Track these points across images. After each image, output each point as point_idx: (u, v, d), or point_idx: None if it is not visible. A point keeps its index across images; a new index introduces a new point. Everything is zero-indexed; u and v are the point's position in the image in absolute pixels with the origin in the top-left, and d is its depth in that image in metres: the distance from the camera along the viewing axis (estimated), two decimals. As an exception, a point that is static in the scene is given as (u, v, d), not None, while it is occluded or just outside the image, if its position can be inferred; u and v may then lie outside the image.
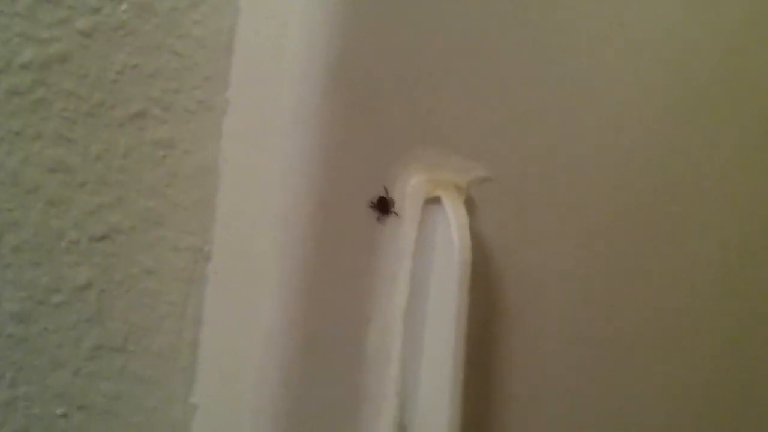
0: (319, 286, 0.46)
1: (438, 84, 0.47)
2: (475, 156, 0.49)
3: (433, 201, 0.47)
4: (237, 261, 0.49)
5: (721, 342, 0.66)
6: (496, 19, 0.49)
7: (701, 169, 0.62)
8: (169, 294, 0.50)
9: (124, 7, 0.47)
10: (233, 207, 0.50)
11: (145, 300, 0.50)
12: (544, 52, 0.52)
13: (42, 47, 0.45)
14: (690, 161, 0.61)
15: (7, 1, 0.44)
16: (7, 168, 0.45)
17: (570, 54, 0.53)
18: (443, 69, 0.47)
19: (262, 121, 0.48)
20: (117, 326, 0.49)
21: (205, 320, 0.51)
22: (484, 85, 0.49)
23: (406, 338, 0.47)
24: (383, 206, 0.46)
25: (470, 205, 0.48)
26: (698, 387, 0.64)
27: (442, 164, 0.48)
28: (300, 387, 0.46)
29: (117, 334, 0.49)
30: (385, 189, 0.46)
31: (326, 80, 0.44)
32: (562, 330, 0.55)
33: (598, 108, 0.55)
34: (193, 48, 0.49)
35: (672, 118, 0.60)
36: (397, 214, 0.46)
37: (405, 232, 0.47)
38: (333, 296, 0.46)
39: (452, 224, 0.45)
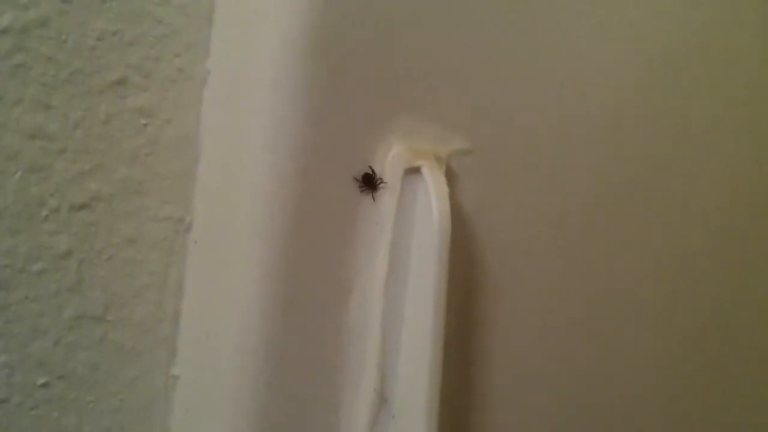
0: (298, 255, 0.46)
1: (418, 53, 0.47)
2: (455, 127, 0.49)
3: (414, 171, 0.46)
4: (217, 231, 0.49)
5: (701, 320, 0.66)
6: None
7: (683, 145, 0.62)
8: (150, 264, 0.50)
9: (104, -28, 0.46)
10: (213, 176, 0.50)
11: (125, 269, 0.50)
12: (526, 21, 0.51)
13: (21, 12, 0.45)
14: (673, 137, 0.61)
15: (-15, -34, 0.43)
16: (-15, 134, 0.45)
17: (553, 23, 0.53)
18: (423, 38, 0.47)
19: (242, 90, 0.47)
20: (97, 295, 0.49)
21: (186, 291, 0.51)
22: (465, 55, 0.49)
23: (387, 308, 0.47)
24: (369, 182, 0.46)
25: (450, 176, 0.48)
26: (676, 359, 0.64)
27: (422, 134, 0.48)
28: (280, 357, 0.46)
29: (97, 304, 0.49)
30: (371, 167, 0.46)
31: (305, 48, 0.44)
32: (540, 300, 0.55)
33: (580, 80, 0.55)
34: (175, 15, 0.49)
35: (655, 93, 0.60)
36: (385, 183, 0.46)
37: (385, 202, 0.47)
38: (313, 266, 0.46)
39: (432, 194, 0.45)
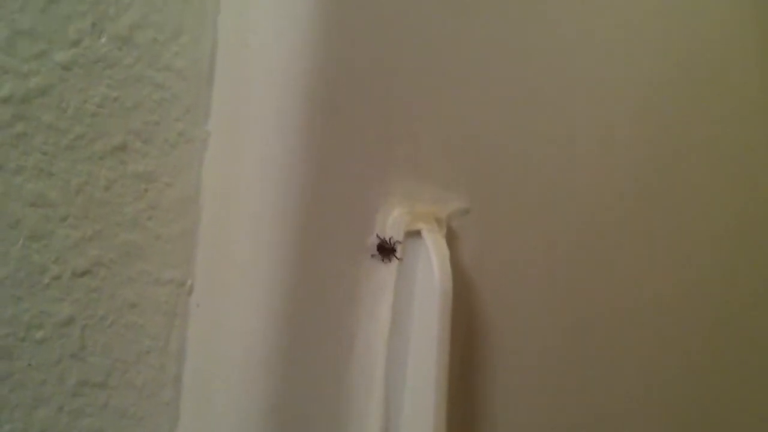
0: (301, 317, 0.46)
1: (415, 116, 0.48)
2: (454, 187, 0.49)
3: (414, 233, 0.46)
4: (219, 293, 0.49)
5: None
6: (467, 49, 0.49)
7: (678, 181, 0.62)
8: (152, 328, 0.50)
9: (103, 39, 0.47)
10: (215, 238, 0.50)
11: (127, 334, 0.49)
12: (515, 80, 0.52)
13: (21, 81, 0.45)
14: (666, 172, 0.62)
15: (-15, 36, 0.44)
16: (-13, 203, 0.45)
17: (543, 80, 0.53)
18: (419, 101, 0.48)
19: (242, 152, 0.47)
20: (100, 361, 0.49)
21: (187, 354, 0.51)
22: (461, 116, 0.49)
23: (389, 368, 0.47)
24: (383, 249, 0.46)
25: (450, 235, 0.48)
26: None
27: (422, 195, 0.48)
28: (283, 420, 0.46)
29: (100, 370, 0.49)
30: (377, 235, 0.46)
31: (303, 112, 0.44)
32: (541, 347, 0.54)
33: (572, 134, 0.55)
34: (174, 80, 0.49)
35: (649, 124, 0.60)
36: (398, 241, 0.46)
37: (387, 264, 0.46)
38: (315, 327, 0.46)
39: (433, 257, 0.45)
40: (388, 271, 0.47)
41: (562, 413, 0.57)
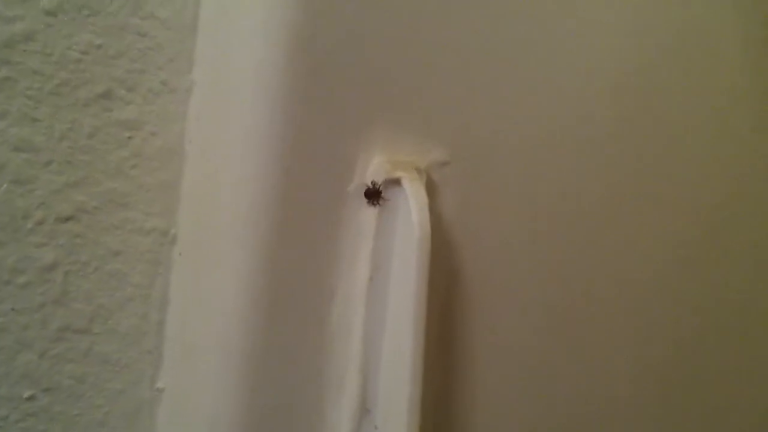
0: (281, 264, 0.46)
1: (396, 64, 0.48)
2: (434, 138, 0.49)
3: (394, 182, 0.47)
4: (202, 242, 0.49)
5: (687, 326, 0.66)
6: (451, 4, 0.49)
7: (665, 148, 0.62)
8: (135, 276, 0.51)
9: (88, -14, 0.47)
10: (198, 188, 0.50)
11: (110, 281, 0.50)
12: (502, 32, 0.52)
13: (6, 25, 0.45)
14: (653, 141, 0.62)
15: (-30, -19, 0.44)
16: (-29, 146, 0.45)
17: (530, 32, 0.53)
18: (400, 49, 0.48)
19: (225, 101, 0.48)
20: (83, 308, 0.49)
21: (171, 302, 0.51)
22: (442, 66, 0.49)
23: (368, 315, 0.47)
24: (371, 195, 0.47)
25: (430, 186, 0.48)
26: (661, 363, 0.64)
27: (402, 145, 0.48)
28: (263, 365, 0.46)
29: (83, 316, 0.49)
30: (373, 182, 0.46)
31: (285, 59, 0.44)
32: (520, 304, 0.55)
33: (557, 89, 0.55)
34: (158, 29, 0.50)
35: (633, 100, 0.60)
36: (387, 200, 0.47)
37: (367, 212, 0.47)
38: (295, 274, 0.46)
39: (412, 205, 0.45)
40: (368, 219, 0.47)
41: (542, 374, 0.57)
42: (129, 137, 0.49)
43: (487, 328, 0.52)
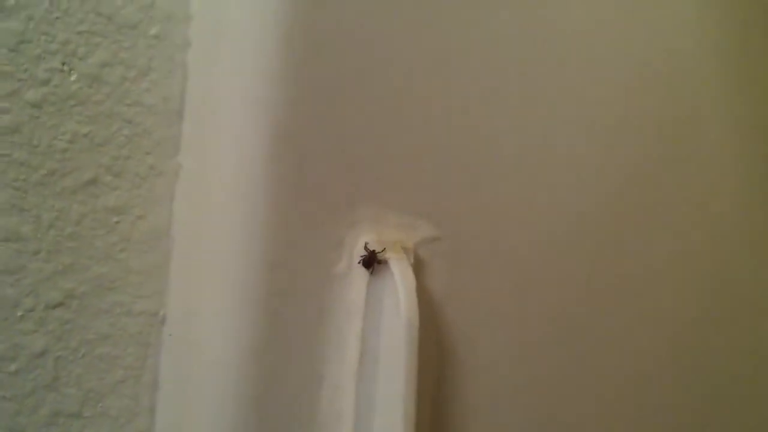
0: (269, 347, 0.46)
1: (379, 143, 0.48)
2: (421, 214, 0.49)
3: (382, 261, 0.47)
4: (191, 324, 0.50)
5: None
6: (434, 73, 0.50)
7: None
8: (126, 358, 0.51)
9: (74, 77, 0.48)
10: (187, 270, 0.50)
11: (101, 365, 0.50)
12: (484, 103, 0.52)
13: (-9, 120, 0.46)
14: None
15: (-44, 76, 0.45)
16: (-41, 238, 0.45)
17: (508, 108, 0.54)
18: (381, 130, 0.48)
19: (212, 184, 0.48)
20: (74, 392, 0.49)
21: (161, 384, 0.51)
22: (425, 146, 0.50)
23: (358, 398, 0.47)
24: (371, 263, 0.47)
25: (418, 263, 0.48)
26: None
27: (389, 222, 0.48)
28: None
29: (74, 400, 0.49)
30: (367, 249, 0.47)
31: (271, 144, 0.45)
32: (512, 376, 0.55)
33: (542, 161, 0.55)
34: (144, 115, 0.50)
35: (626, 155, 0.61)
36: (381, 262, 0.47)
37: (354, 293, 0.47)
38: (284, 357, 0.46)
39: (399, 286, 0.46)
40: (356, 300, 0.47)
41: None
42: (116, 222, 0.50)
43: (477, 401, 0.52)
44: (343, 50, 0.46)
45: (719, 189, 0.68)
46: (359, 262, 0.47)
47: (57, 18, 0.47)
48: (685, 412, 0.66)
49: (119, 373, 0.50)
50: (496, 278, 0.53)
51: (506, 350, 0.54)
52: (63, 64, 0.47)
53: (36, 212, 0.47)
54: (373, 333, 0.47)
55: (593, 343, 0.59)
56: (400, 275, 0.46)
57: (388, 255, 0.46)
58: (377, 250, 0.46)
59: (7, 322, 0.47)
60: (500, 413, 0.54)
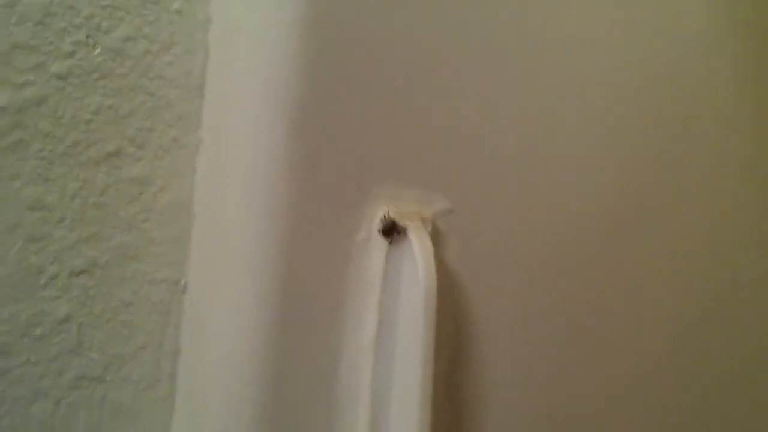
0: (289, 318, 0.47)
1: (397, 120, 0.49)
2: (438, 188, 0.50)
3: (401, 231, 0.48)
4: (212, 292, 0.51)
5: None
6: (449, 52, 0.51)
7: (666, 176, 0.64)
8: (147, 325, 0.52)
9: (98, 51, 0.49)
10: (208, 240, 0.51)
11: (123, 331, 0.51)
12: (500, 79, 0.53)
13: (18, 91, 0.47)
14: (653, 178, 0.63)
15: (-17, 49, 0.46)
16: (-14, 207, 0.47)
17: (523, 81, 0.54)
18: (400, 105, 0.49)
19: (232, 158, 0.49)
20: (97, 357, 0.50)
21: (182, 351, 0.53)
22: (441, 120, 0.51)
23: (376, 366, 0.48)
24: (390, 231, 0.48)
25: (436, 234, 0.49)
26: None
27: (407, 197, 0.49)
28: (273, 418, 0.47)
29: (97, 365, 0.50)
30: (385, 218, 0.48)
31: (290, 118, 0.46)
32: (528, 346, 0.55)
33: (555, 137, 0.56)
34: (166, 88, 0.51)
35: (633, 141, 0.61)
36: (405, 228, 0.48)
37: (373, 263, 0.48)
38: (304, 328, 0.47)
39: (417, 254, 0.46)
40: (374, 270, 0.48)
41: (551, 412, 0.58)
42: (140, 193, 0.51)
43: (493, 372, 0.53)
44: (362, 30, 0.47)
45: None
46: (379, 230, 0.47)
47: (81, -8, 0.48)
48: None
49: (141, 340, 0.52)
50: (508, 252, 0.54)
51: (523, 320, 0.55)
52: (87, 37, 0.48)
53: (61, 182, 0.48)
54: (392, 301, 0.48)
55: (610, 310, 0.60)
56: (418, 243, 0.46)
57: (406, 223, 0.47)
58: (390, 217, 0.47)
59: (32, 288, 0.48)
60: (514, 380, 0.55)
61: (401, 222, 0.48)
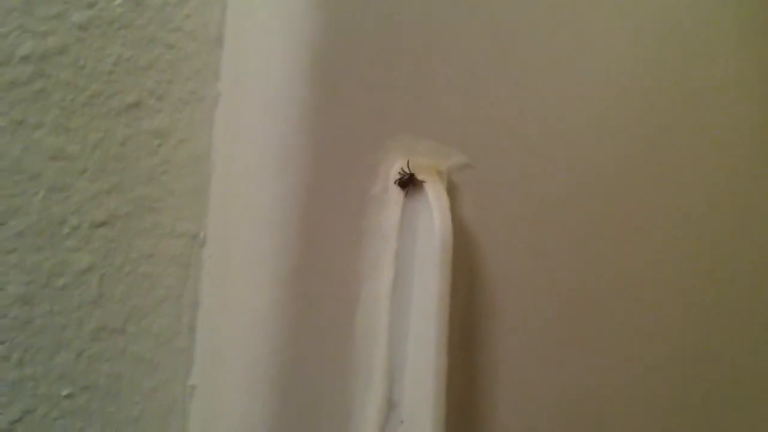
0: (306, 268, 0.47)
1: (413, 72, 0.49)
2: (453, 142, 0.50)
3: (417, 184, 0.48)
4: (230, 245, 0.51)
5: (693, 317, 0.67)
6: (468, 12, 0.51)
7: (673, 151, 0.63)
8: (167, 278, 0.52)
9: (118, 1, 0.49)
10: (225, 194, 0.52)
11: (144, 284, 0.52)
12: (519, 37, 0.53)
13: (40, 40, 0.47)
14: (663, 143, 0.63)
15: (5, -2, 0.46)
16: (9, 156, 0.47)
17: (546, 37, 0.54)
18: (417, 57, 0.49)
19: (249, 111, 0.49)
20: (118, 309, 0.51)
21: (201, 303, 0.53)
22: (460, 71, 0.51)
23: (393, 317, 0.48)
24: (407, 183, 0.49)
25: (451, 188, 0.50)
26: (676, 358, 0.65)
27: (422, 150, 0.49)
28: (291, 366, 0.48)
29: (118, 317, 0.51)
30: (403, 171, 0.48)
31: (306, 71, 0.46)
32: (540, 302, 0.56)
33: (573, 91, 0.56)
34: (185, 41, 0.51)
35: (646, 103, 0.61)
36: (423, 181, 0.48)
37: (389, 216, 0.48)
38: (321, 278, 0.48)
39: (433, 207, 0.47)
40: (390, 222, 0.48)
41: (562, 371, 0.58)
42: (159, 145, 0.51)
43: (508, 324, 0.54)
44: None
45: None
46: (396, 182, 0.48)
47: (101, -58, 0.48)
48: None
49: (161, 292, 0.52)
50: (523, 207, 0.54)
51: (531, 272, 0.55)
52: (108, -13, 0.48)
53: (82, 132, 0.49)
54: (408, 254, 0.48)
55: (621, 269, 0.60)
56: (434, 196, 0.47)
57: (422, 176, 0.47)
58: (410, 171, 0.47)
59: (54, 238, 0.49)
60: (528, 335, 0.55)
61: (418, 175, 0.48)
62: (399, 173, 0.48)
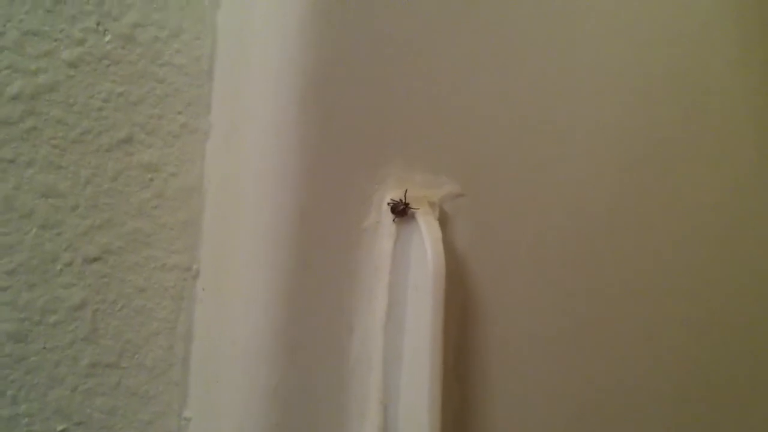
0: (300, 299, 0.47)
1: (405, 103, 0.49)
2: (445, 172, 0.51)
3: (408, 216, 0.48)
4: (223, 277, 0.51)
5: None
6: (461, 39, 0.51)
7: (670, 172, 0.64)
8: (160, 311, 0.52)
9: (108, 38, 0.49)
10: (219, 225, 0.52)
11: (137, 317, 0.52)
12: (508, 67, 0.53)
13: (30, 78, 0.47)
14: (656, 167, 0.63)
15: (-4, 36, 0.46)
16: (1, 194, 0.47)
17: (536, 65, 0.54)
18: (410, 89, 0.49)
19: (242, 145, 0.49)
20: (111, 343, 0.51)
21: (195, 335, 0.53)
22: (451, 102, 0.51)
23: (387, 347, 0.48)
24: (401, 211, 0.49)
25: (443, 218, 0.50)
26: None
27: (414, 180, 0.49)
28: (285, 399, 0.48)
29: (112, 351, 0.51)
30: (397, 200, 0.48)
31: (300, 104, 0.46)
32: (533, 327, 0.56)
33: (563, 121, 0.56)
34: (176, 75, 0.51)
35: (638, 130, 0.61)
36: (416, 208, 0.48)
37: (382, 247, 0.49)
38: (314, 308, 0.48)
39: (426, 239, 0.47)
40: (384, 254, 0.49)
41: (556, 396, 0.58)
42: (150, 179, 0.51)
43: (501, 350, 0.54)
44: (372, 11, 0.47)
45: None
46: (388, 204, 0.48)
47: (90, -21, 0.48)
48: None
49: (155, 325, 0.52)
50: (515, 236, 0.54)
51: (530, 306, 0.55)
52: (97, 24, 0.49)
53: (73, 169, 0.49)
54: (401, 285, 0.48)
55: (615, 294, 0.60)
56: (426, 227, 0.47)
57: (414, 208, 0.48)
58: (406, 201, 0.48)
59: (47, 275, 0.49)
60: (522, 363, 0.55)
61: (411, 205, 0.48)
62: (389, 202, 0.48)
